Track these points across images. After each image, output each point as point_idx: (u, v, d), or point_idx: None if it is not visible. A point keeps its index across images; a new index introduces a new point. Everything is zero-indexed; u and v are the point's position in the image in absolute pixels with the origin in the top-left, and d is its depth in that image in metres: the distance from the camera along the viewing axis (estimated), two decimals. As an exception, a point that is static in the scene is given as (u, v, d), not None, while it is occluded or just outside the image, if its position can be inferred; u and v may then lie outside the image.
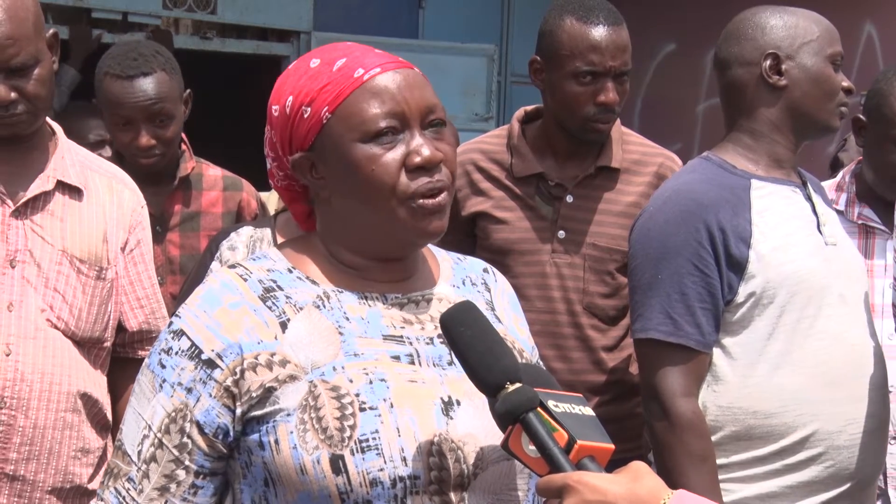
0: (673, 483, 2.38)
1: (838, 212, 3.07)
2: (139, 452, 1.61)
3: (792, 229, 2.55)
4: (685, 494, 1.46)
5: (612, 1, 3.04)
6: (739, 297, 2.49)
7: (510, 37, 7.63)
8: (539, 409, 1.48)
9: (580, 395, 1.57)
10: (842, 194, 3.27)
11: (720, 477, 2.49)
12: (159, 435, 1.60)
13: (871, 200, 3.21)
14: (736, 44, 2.62)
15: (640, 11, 6.20)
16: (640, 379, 2.59)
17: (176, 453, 1.59)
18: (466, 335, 1.53)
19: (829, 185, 3.30)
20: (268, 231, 2.60)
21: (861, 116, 3.19)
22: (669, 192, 2.59)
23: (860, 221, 3.19)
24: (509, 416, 1.49)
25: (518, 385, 1.49)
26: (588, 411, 1.52)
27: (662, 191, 2.63)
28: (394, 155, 1.61)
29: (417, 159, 1.61)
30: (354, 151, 1.61)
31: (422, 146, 1.61)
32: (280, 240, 2.53)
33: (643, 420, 3.16)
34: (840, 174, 3.36)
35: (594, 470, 1.46)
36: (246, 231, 2.62)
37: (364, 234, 1.66)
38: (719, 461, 2.50)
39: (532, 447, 1.48)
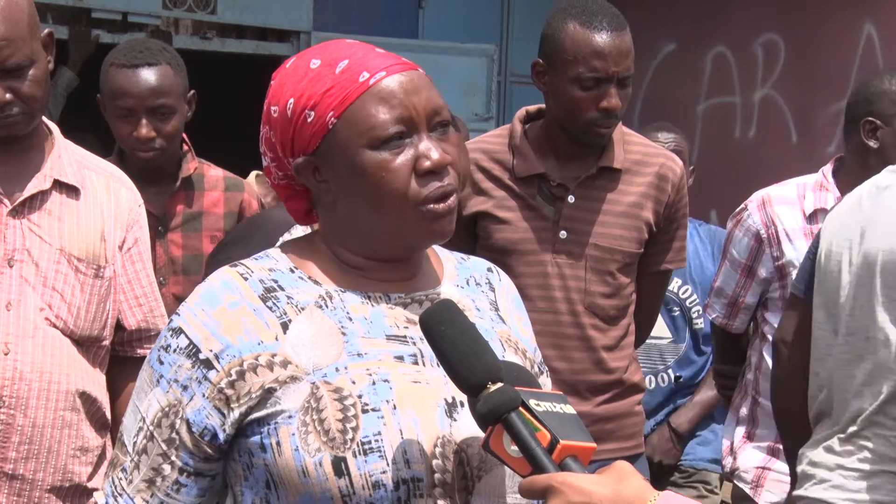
0: None
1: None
2: (134, 444, 1.62)
3: None
4: (670, 496, 1.43)
5: (613, 1, 3.03)
6: None
7: (510, 37, 7.63)
8: (521, 408, 1.46)
9: (560, 392, 1.55)
10: (827, 194, 3.31)
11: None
12: (151, 428, 1.60)
13: None
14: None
15: (640, 11, 6.18)
16: None
17: (164, 447, 1.60)
18: (447, 334, 1.51)
19: (810, 185, 3.34)
20: None
21: (873, 119, 3.22)
22: None
23: None
24: (491, 416, 1.47)
25: (500, 385, 1.47)
26: (569, 409, 1.50)
27: None
28: (403, 160, 1.59)
29: (427, 164, 1.59)
30: (363, 157, 1.59)
31: (430, 150, 1.60)
32: None
33: (643, 418, 3.18)
34: (819, 173, 3.39)
35: (577, 470, 1.44)
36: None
37: (371, 237, 1.64)
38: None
39: (514, 447, 1.46)
